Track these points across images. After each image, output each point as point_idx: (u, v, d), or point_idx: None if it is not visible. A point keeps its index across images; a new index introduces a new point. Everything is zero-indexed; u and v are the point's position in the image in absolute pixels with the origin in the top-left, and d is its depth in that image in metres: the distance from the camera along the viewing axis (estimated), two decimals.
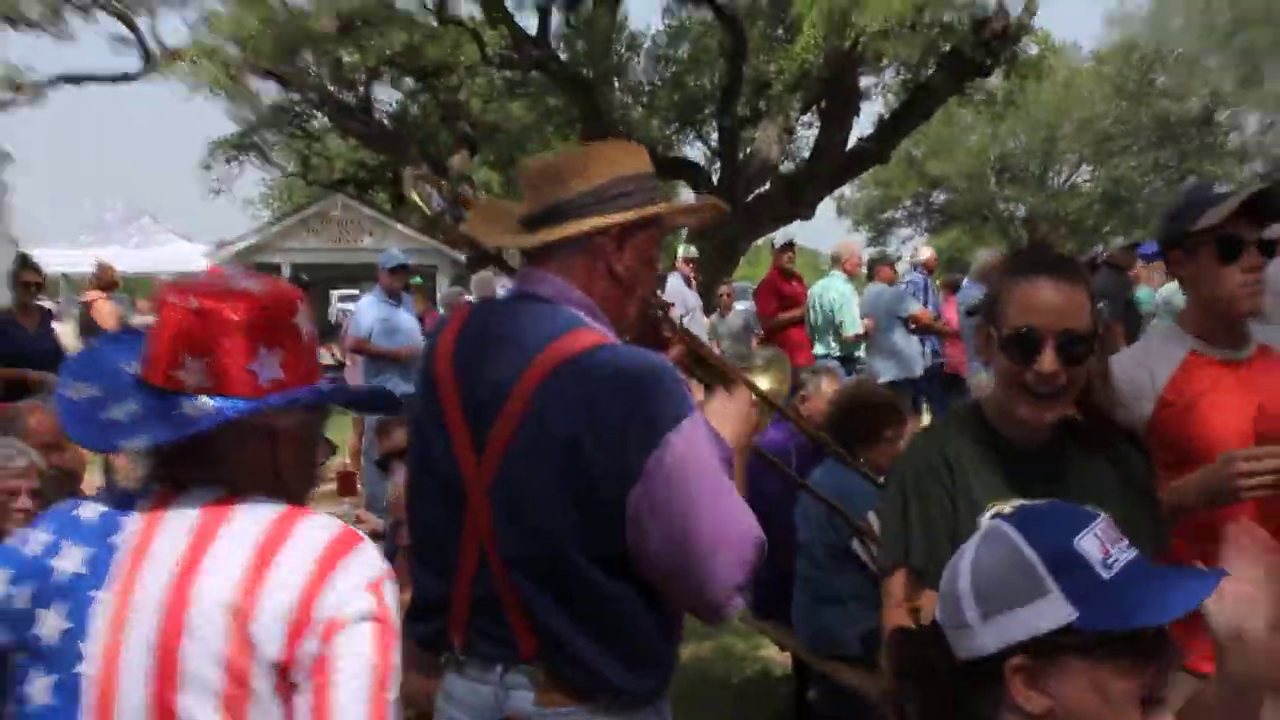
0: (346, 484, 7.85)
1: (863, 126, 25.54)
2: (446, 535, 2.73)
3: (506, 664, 2.66)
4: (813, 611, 5.79)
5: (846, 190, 39.42)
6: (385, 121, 28.83)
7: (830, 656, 5.72)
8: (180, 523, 2.04)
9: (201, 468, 2.10)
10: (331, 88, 26.72)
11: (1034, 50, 24.68)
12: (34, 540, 2.09)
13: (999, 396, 2.83)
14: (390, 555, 4.47)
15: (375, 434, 6.33)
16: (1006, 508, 2.05)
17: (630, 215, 2.74)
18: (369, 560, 2.05)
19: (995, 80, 24.64)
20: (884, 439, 5.71)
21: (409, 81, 28.29)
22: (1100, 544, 1.92)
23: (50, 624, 1.99)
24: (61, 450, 5.09)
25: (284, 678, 1.95)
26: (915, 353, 12.77)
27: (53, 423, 5.09)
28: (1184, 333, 3.38)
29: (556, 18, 25.77)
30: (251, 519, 2.04)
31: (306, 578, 1.97)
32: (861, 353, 12.55)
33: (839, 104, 24.45)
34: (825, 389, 6.58)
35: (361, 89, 27.38)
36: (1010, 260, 2.93)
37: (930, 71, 23.19)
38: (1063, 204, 47.87)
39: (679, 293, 14.09)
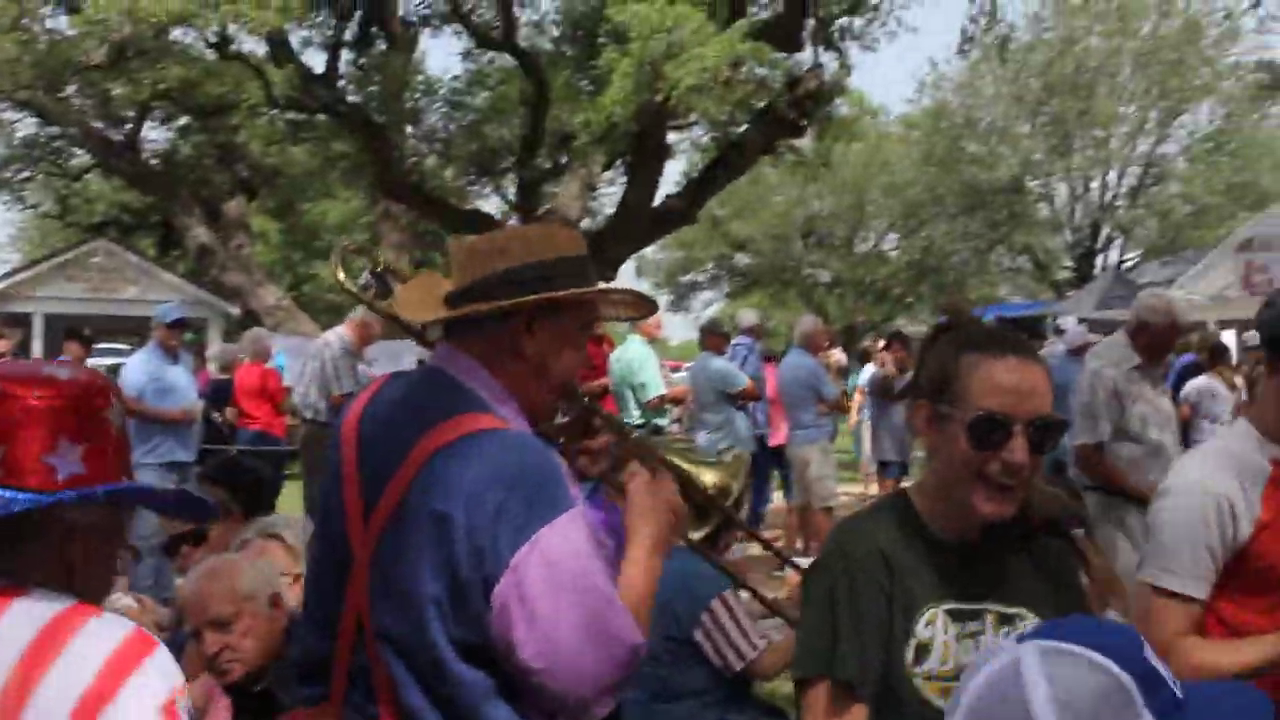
0: None
1: (668, 184, 25.63)
2: (333, 600, 2.77)
3: None
4: (647, 710, 5.53)
5: (648, 250, 39.54)
6: (154, 161, 28.19)
7: None
8: None
9: None
10: (96, 123, 26.05)
11: (846, 110, 25.18)
12: None
13: (940, 486, 2.65)
14: (181, 644, 4.19)
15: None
16: (1028, 626, 1.83)
17: (537, 297, 2.77)
18: (162, 672, 2.02)
19: (806, 141, 24.90)
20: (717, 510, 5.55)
21: (183, 120, 27.71)
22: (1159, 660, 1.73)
23: None
24: None
25: None
26: (746, 425, 12.66)
27: None
28: (1261, 438, 3.23)
29: (346, 58, 25.60)
30: (27, 617, 2.01)
31: (83, 695, 1.93)
32: (666, 420, 12.43)
33: (646, 160, 24.57)
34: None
35: (130, 126, 26.78)
36: (963, 334, 2.69)
37: (742, 129, 23.36)
38: (870, 269, 48.75)
39: None
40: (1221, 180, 42.08)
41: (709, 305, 53.45)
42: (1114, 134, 43.90)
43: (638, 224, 25.61)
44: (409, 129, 26.63)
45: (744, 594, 6.55)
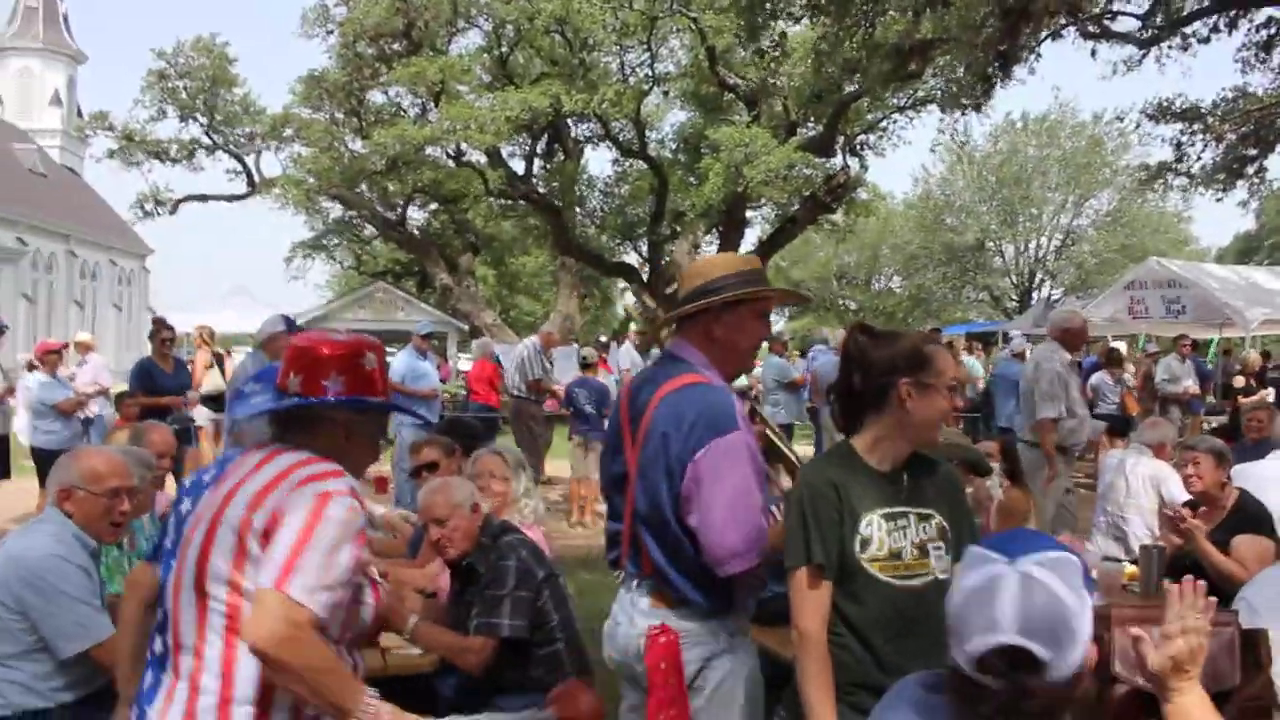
0: (380, 485, 7.84)
1: (747, 244, 25.61)
2: (620, 499, 3.02)
3: (638, 581, 2.95)
4: None
5: None
6: (415, 232, 28.68)
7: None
8: (261, 452, 2.37)
9: (294, 435, 2.40)
10: (378, 208, 26.60)
11: (865, 196, 25.02)
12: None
13: (897, 433, 2.68)
14: (417, 542, 4.33)
15: (409, 450, 6.11)
16: (988, 547, 1.79)
17: (721, 298, 2.94)
18: (341, 484, 2.26)
19: (838, 216, 24.78)
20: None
21: (433, 204, 28.20)
22: None
23: (185, 506, 2.39)
24: (169, 457, 5.04)
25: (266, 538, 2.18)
26: (796, 403, 12.74)
27: (167, 437, 5.05)
28: None
29: (538, 164, 25.75)
30: (286, 459, 2.32)
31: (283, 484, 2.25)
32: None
33: (731, 228, 24.56)
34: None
35: (399, 209, 27.28)
36: (928, 337, 2.82)
37: (795, 208, 23.32)
38: (882, 301, 48.27)
39: (630, 355, 14.04)
40: (1117, 242, 41.48)
41: (776, 324, 53.01)
42: (1044, 211, 43.28)
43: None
44: (577, 210, 26.84)
45: None
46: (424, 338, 11.10)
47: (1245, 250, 47.00)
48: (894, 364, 2.66)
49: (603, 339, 16.50)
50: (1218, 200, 19.17)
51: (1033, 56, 13.74)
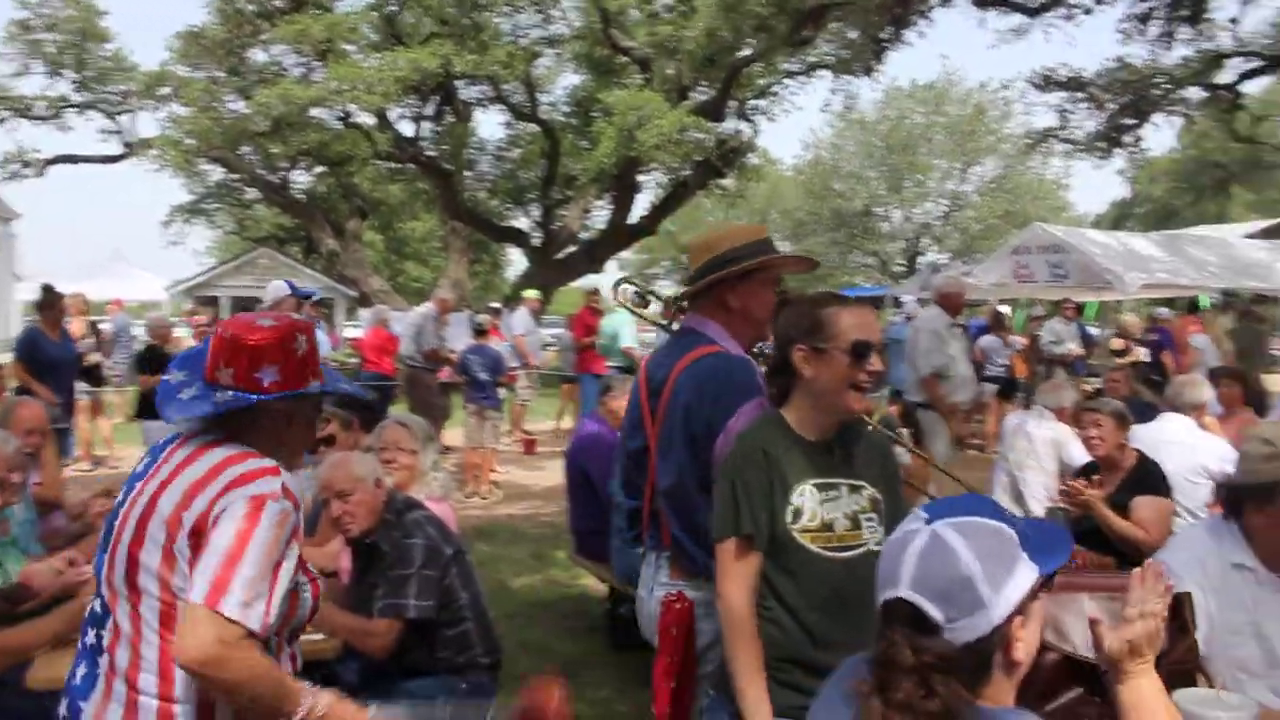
0: None
1: (638, 209, 25.58)
2: (641, 474, 3.11)
3: (657, 554, 3.07)
4: (623, 553, 5.53)
5: (625, 253, 39.46)
6: (300, 196, 27.94)
7: (636, 586, 5.48)
8: (189, 447, 2.26)
9: (227, 426, 2.29)
10: (261, 171, 25.82)
11: (755, 161, 25.14)
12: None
13: (812, 403, 2.59)
14: (314, 519, 4.14)
15: None
16: (924, 508, 1.73)
17: (724, 272, 2.98)
18: (271, 484, 2.17)
19: (729, 181, 24.85)
20: None
21: (319, 168, 27.50)
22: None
23: (119, 496, 2.31)
24: (43, 435, 4.76)
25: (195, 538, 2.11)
26: None
27: (37, 412, 4.82)
28: None
29: (427, 126, 25.40)
30: (217, 454, 2.22)
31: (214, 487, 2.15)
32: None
33: (624, 193, 24.49)
34: (627, 388, 6.37)
35: (283, 172, 26.53)
36: (822, 298, 2.63)
37: (687, 173, 23.32)
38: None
39: (524, 321, 13.87)
40: (1000, 208, 42.39)
41: (666, 288, 53.32)
42: (930, 178, 44.08)
43: (618, 235, 25.56)
44: (467, 174, 26.43)
45: None
46: (313, 304, 10.69)
47: (1119, 217, 48.47)
48: (789, 331, 2.59)
49: (495, 305, 16.24)
50: (1097, 167, 19.71)
51: (924, 21, 13.85)
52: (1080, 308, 16.46)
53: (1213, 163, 33.94)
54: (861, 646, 2.47)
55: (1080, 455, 6.12)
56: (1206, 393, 6.19)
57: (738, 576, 2.50)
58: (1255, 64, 16.48)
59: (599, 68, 24.52)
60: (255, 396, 2.24)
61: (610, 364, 12.33)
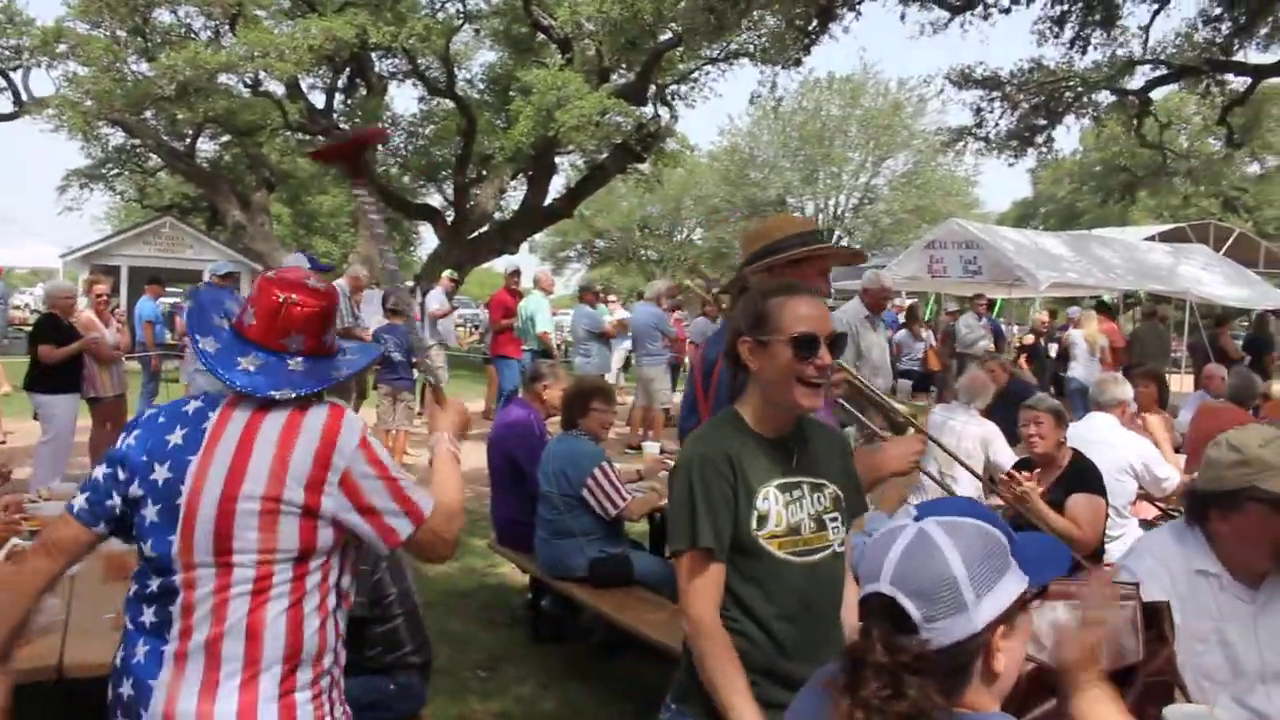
0: None
1: (554, 191, 25.38)
2: None
3: None
4: (549, 544, 5.41)
5: (538, 235, 39.14)
6: (205, 165, 27.11)
7: (561, 577, 5.37)
8: (242, 414, 2.26)
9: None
10: (165, 137, 24.95)
11: (673, 147, 25.06)
12: (154, 421, 2.34)
13: (763, 399, 2.44)
14: None
15: None
16: (916, 507, 1.65)
17: (786, 256, 3.01)
18: (353, 423, 2.28)
19: (646, 165, 24.76)
20: (594, 410, 5.60)
21: (226, 136, 26.69)
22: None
23: (159, 474, 2.25)
24: None
25: (309, 512, 2.21)
26: (607, 354, 12.54)
27: None
28: None
29: (339, 98, 24.77)
30: (279, 412, 2.26)
31: (319, 441, 2.23)
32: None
33: (540, 174, 24.28)
34: (560, 379, 6.24)
35: (188, 139, 25.69)
36: (772, 289, 2.48)
37: (604, 156, 23.16)
38: (684, 251, 48.71)
39: (439, 298, 13.60)
40: (911, 203, 43.00)
41: (577, 272, 53.09)
42: (844, 170, 44.51)
43: (533, 217, 25.33)
44: (379, 148, 25.88)
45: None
46: (224, 277, 10.29)
47: (1023, 216, 49.46)
48: (737, 324, 2.46)
49: (409, 284, 15.92)
50: (1010, 165, 20.02)
51: (852, 14, 13.85)
52: (992, 304, 16.72)
53: (1120, 166, 34.75)
54: (827, 653, 2.36)
55: (1006, 453, 6.14)
56: (1128, 390, 6.24)
57: (701, 590, 2.35)
58: (1163, 72, 16.88)
59: (518, 45, 24.20)
60: (332, 360, 2.36)
61: (526, 348, 12.17)
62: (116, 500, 2.31)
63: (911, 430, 3.42)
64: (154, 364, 12.09)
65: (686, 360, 13.67)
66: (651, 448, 7.30)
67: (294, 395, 2.25)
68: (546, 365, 6.58)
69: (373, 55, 23.10)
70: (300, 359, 2.30)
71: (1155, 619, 2.44)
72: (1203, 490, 2.77)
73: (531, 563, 5.68)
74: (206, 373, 2.32)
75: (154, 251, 24.82)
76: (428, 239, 37.67)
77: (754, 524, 2.36)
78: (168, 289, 20.77)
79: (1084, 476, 4.83)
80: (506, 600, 6.41)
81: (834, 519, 2.47)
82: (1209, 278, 18.40)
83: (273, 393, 2.24)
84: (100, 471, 2.33)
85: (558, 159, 24.37)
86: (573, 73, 20.76)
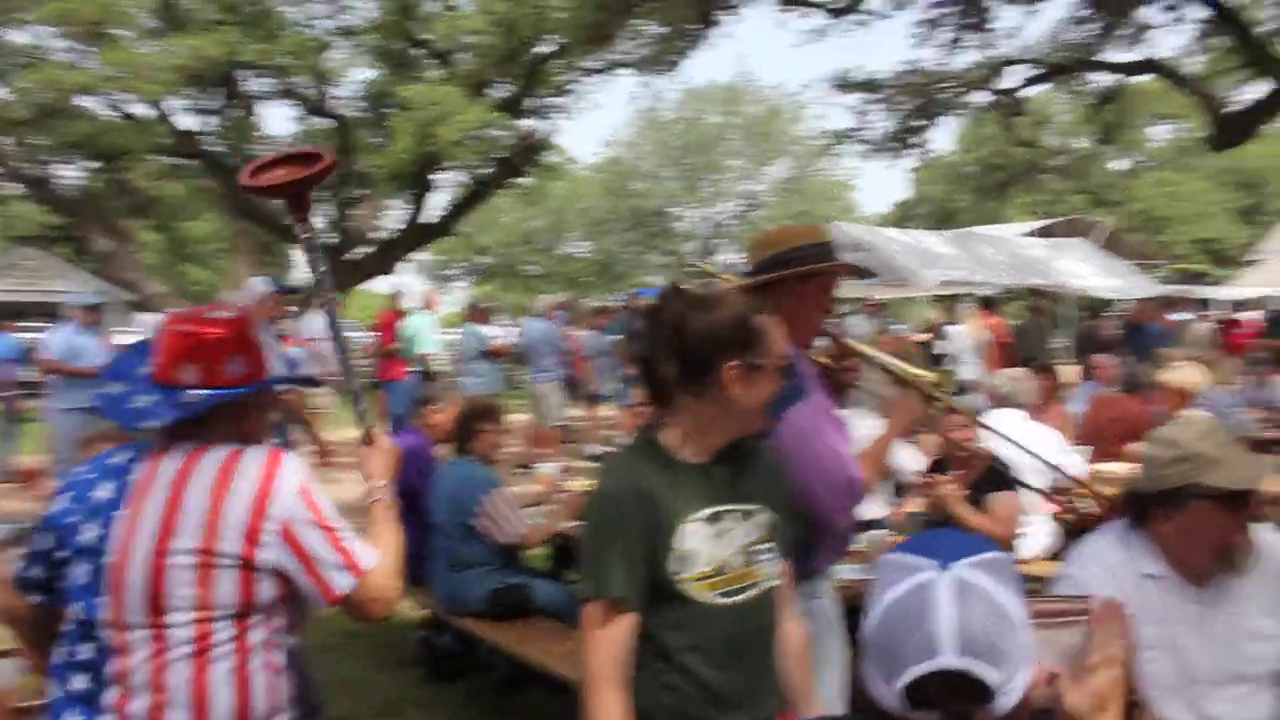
0: (31, 478, 7.11)
1: (436, 208, 24.98)
2: None
3: None
4: (447, 577, 5.11)
5: (421, 254, 38.62)
6: (69, 192, 25.99)
7: (459, 612, 5.06)
8: (172, 462, 2.15)
9: (187, 430, 2.19)
10: (22, 164, 23.82)
11: (555, 159, 24.88)
12: (82, 478, 2.22)
13: (722, 423, 2.20)
14: None
15: (80, 444, 5.16)
16: (913, 552, 1.40)
17: (795, 271, 2.92)
18: (294, 468, 2.18)
19: (528, 180, 24.52)
20: (484, 432, 5.35)
21: (90, 162, 25.62)
22: None
23: (88, 533, 2.14)
24: None
25: (247, 565, 2.09)
26: (497, 373, 12.21)
27: None
28: None
29: (210, 119, 23.88)
30: (212, 459, 2.14)
31: (255, 494, 2.11)
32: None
33: (420, 192, 23.87)
34: (451, 401, 5.93)
35: (48, 166, 24.58)
36: (748, 305, 2.23)
37: (487, 171, 22.86)
38: (568, 266, 48.46)
39: (320, 325, 13.12)
40: (793, 208, 43.39)
41: (461, 290, 52.61)
42: (725, 178, 44.80)
43: (414, 235, 24.92)
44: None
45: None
46: (88, 309, 9.64)
47: (903, 218, 50.27)
48: (718, 340, 2.16)
49: (289, 308, 15.36)
50: (889, 167, 20.32)
51: (731, 16, 13.81)
52: (881, 305, 16.82)
53: (995, 165, 35.57)
54: (763, 700, 2.11)
55: (908, 459, 6.01)
56: (1032, 386, 6.19)
57: (604, 644, 2.09)
58: (1036, 72, 17.23)
59: (394, 61, 23.71)
60: (232, 391, 2.18)
61: (410, 370, 11.82)
62: (39, 571, 2.25)
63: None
64: (13, 404, 11.40)
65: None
66: (548, 469, 7.03)
67: (158, 424, 2.14)
68: (435, 388, 6.30)
69: (243, 74, 22.37)
70: (202, 392, 2.18)
71: None
72: (1144, 491, 2.63)
73: (429, 597, 5.36)
74: (69, 412, 2.19)
75: (17, 285, 23.68)
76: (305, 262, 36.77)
77: (676, 566, 2.11)
78: (30, 323, 19.81)
79: (1000, 474, 4.72)
80: (403, 638, 6.04)
81: (766, 551, 2.22)
82: (1085, 270, 18.79)
83: (137, 425, 2.15)
84: (34, 540, 2.27)
85: (438, 175, 23.95)
86: (451, 87, 20.41)
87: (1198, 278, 28.52)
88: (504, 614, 4.99)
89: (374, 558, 2.23)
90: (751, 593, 2.18)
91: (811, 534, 2.87)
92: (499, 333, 13.80)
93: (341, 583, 2.16)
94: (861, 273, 3.40)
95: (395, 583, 2.28)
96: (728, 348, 2.15)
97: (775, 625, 2.29)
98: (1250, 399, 8.71)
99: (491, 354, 12.00)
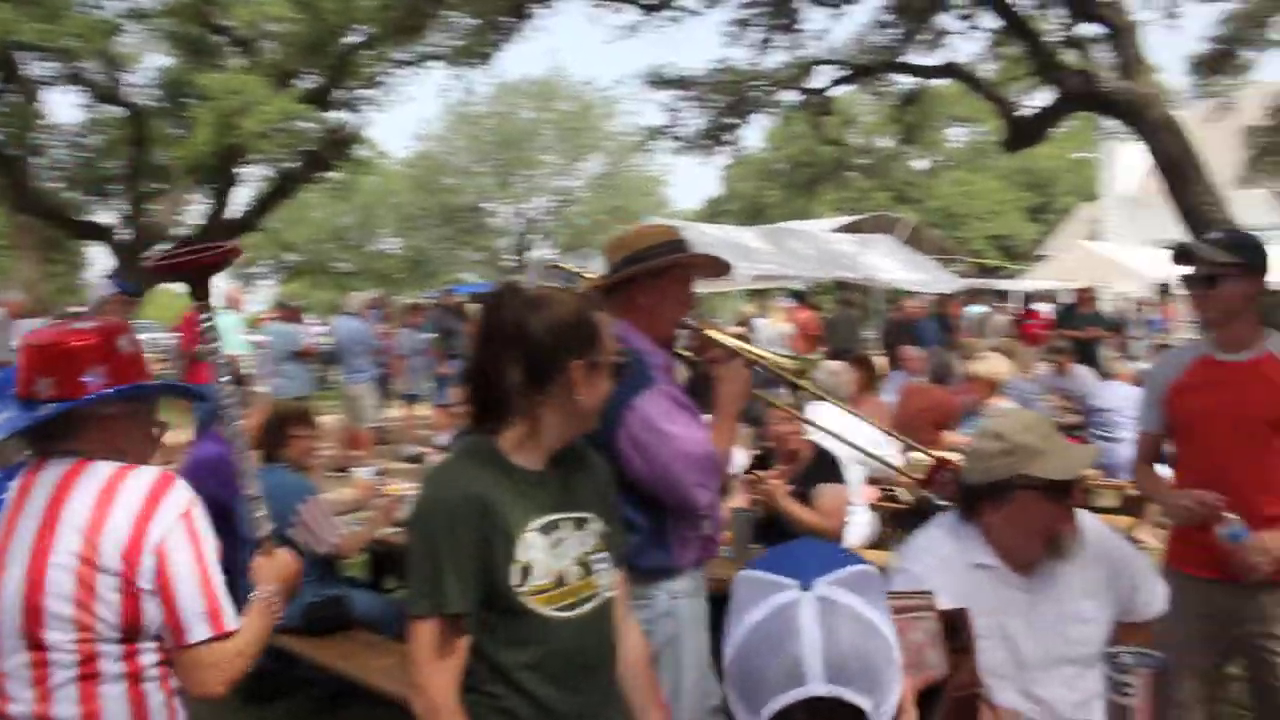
0: None
1: (240, 202, 24.06)
2: None
3: None
4: None
5: None
6: None
7: (274, 629, 4.79)
8: (48, 478, 2.08)
9: (60, 444, 2.13)
10: None
11: (365, 153, 24.33)
12: None
13: (559, 425, 2.12)
14: None
15: None
16: (770, 567, 1.30)
17: (646, 266, 2.98)
18: (180, 494, 2.09)
19: (336, 173, 23.86)
20: (295, 437, 5.13)
21: None
22: None
23: None
24: None
25: (128, 584, 1.99)
26: (306, 374, 11.78)
27: None
28: None
29: None
30: (92, 477, 2.07)
31: (135, 518, 2.02)
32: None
33: (223, 186, 22.93)
34: (259, 406, 5.66)
35: None
36: (584, 301, 2.17)
37: (293, 165, 22.12)
38: (379, 263, 47.47)
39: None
40: (607, 204, 43.66)
41: (269, 289, 50.99)
42: (539, 173, 44.68)
43: (217, 232, 23.83)
44: (38, 161, 23.62)
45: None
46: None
47: (713, 214, 51.21)
48: (561, 340, 2.08)
49: (77, 309, 14.54)
50: (702, 164, 20.64)
51: (544, 9, 13.70)
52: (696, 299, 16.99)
53: (804, 163, 36.53)
54: (604, 717, 2.02)
55: (737, 457, 6.06)
56: (851, 377, 6.31)
57: (443, 666, 1.97)
58: (843, 73, 17.71)
59: (192, 47, 22.66)
60: (82, 400, 2.10)
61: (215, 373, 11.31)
62: None
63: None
64: None
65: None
66: (364, 472, 6.78)
67: (7, 435, 2.10)
68: (241, 393, 5.97)
69: (23, 56, 20.98)
70: (56, 404, 2.10)
71: (955, 628, 2.27)
72: (973, 484, 2.67)
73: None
74: None
75: None
76: (101, 260, 34.94)
77: (515, 578, 2.00)
78: None
79: (826, 467, 4.77)
80: None
81: (601, 560, 2.14)
82: (891, 264, 19.49)
83: None
84: None
85: (242, 169, 23.03)
86: (255, 77, 19.65)
87: (993, 272, 30.00)
88: (321, 628, 4.76)
89: (236, 624, 2.11)
90: (591, 605, 2.10)
91: (667, 525, 2.90)
92: (309, 332, 13.32)
93: (197, 630, 2.04)
94: (719, 268, 3.38)
95: (242, 664, 2.14)
96: (573, 346, 2.08)
97: (615, 638, 2.20)
98: (1050, 387, 9.14)
99: (302, 355, 11.58)
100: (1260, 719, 3.55)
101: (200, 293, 2.41)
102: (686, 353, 3.29)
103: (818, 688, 1.17)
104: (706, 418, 3.10)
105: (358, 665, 4.39)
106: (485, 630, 2.01)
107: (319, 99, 20.74)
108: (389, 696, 4.04)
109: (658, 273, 3.00)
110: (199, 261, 2.37)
